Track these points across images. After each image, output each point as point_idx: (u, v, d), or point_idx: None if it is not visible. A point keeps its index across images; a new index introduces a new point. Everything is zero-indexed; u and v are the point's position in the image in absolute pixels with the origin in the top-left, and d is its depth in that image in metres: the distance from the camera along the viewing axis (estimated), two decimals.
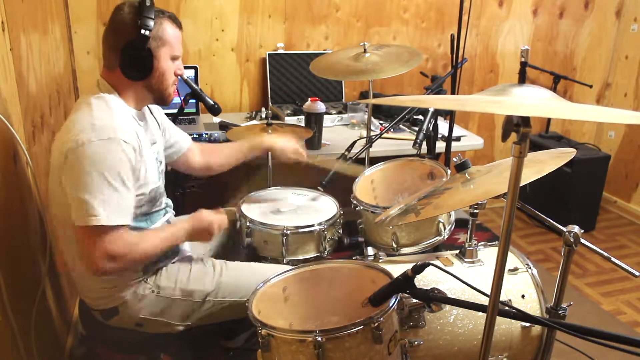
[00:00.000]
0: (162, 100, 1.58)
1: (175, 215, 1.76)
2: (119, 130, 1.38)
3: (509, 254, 1.56)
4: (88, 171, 1.33)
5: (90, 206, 1.33)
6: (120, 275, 1.49)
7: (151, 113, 1.68)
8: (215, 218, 1.59)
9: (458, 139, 2.70)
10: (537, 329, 1.50)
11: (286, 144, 1.97)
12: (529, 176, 1.13)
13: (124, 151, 1.38)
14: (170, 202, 1.74)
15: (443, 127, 2.46)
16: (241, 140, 2.00)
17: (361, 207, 1.84)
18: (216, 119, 2.61)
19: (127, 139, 1.39)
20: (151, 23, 1.44)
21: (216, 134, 2.42)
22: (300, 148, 1.99)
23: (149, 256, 1.49)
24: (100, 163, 1.34)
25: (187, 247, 1.75)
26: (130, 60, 1.45)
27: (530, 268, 1.57)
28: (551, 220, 1.50)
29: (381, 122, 2.83)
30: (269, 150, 1.98)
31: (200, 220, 1.57)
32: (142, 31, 1.42)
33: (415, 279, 1.17)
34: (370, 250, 1.80)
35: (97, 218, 1.33)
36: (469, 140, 2.76)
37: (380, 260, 1.58)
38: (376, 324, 1.20)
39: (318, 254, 1.81)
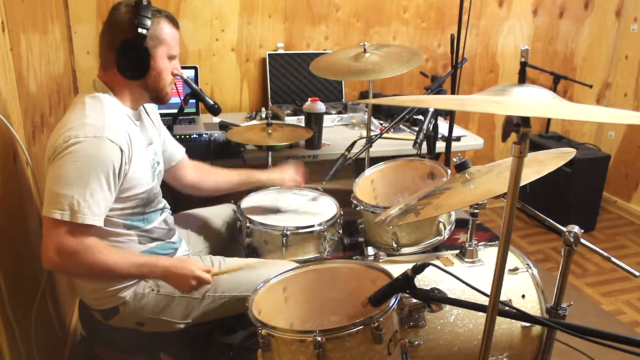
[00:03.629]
0: (158, 99, 1.57)
1: (172, 215, 1.76)
2: (106, 130, 1.37)
3: (509, 254, 1.56)
4: (66, 166, 1.33)
5: (56, 198, 1.33)
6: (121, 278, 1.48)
7: (147, 114, 1.68)
8: (200, 274, 1.48)
9: (458, 139, 2.70)
10: (537, 329, 1.50)
11: (283, 178, 1.97)
12: (529, 176, 1.13)
13: (111, 152, 1.37)
14: (166, 203, 1.74)
15: (443, 127, 2.46)
16: (238, 171, 1.97)
17: (361, 207, 1.84)
18: (216, 119, 2.61)
19: (114, 138, 1.38)
20: (148, 22, 1.43)
21: (216, 134, 2.42)
22: (296, 178, 2.00)
23: (111, 272, 1.43)
24: (81, 160, 1.34)
25: (184, 245, 1.75)
26: (126, 60, 1.45)
27: (530, 268, 1.57)
28: (551, 220, 1.50)
29: (381, 122, 2.83)
30: (268, 183, 1.99)
31: (185, 268, 1.49)
32: (139, 30, 1.42)
33: (415, 279, 1.17)
34: (370, 250, 1.80)
35: (59, 212, 1.32)
36: (469, 140, 2.76)
37: (380, 260, 1.58)
38: (376, 324, 1.20)
39: (318, 254, 1.81)
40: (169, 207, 1.74)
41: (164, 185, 1.71)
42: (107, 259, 1.40)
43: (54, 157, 1.35)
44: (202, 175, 1.90)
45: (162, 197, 1.69)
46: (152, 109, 1.74)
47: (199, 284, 1.50)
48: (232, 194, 1.99)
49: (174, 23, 1.53)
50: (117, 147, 1.38)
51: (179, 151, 1.85)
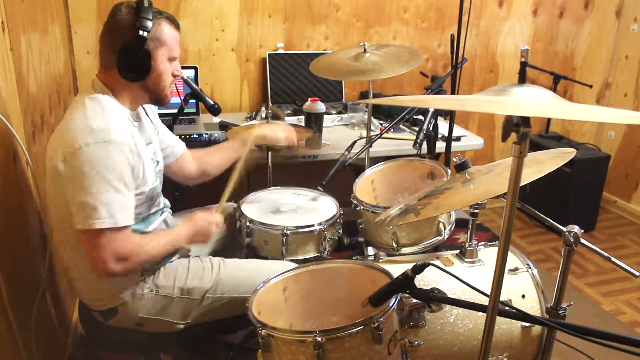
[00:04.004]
0: (159, 101, 1.57)
1: (173, 214, 1.76)
2: (114, 132, 1.38)
3: (509, 254, 1.56)
4: (88, 174, 1.33)
5: (92, 209, 1.34)
6: (123, 277, 1.49)
7: (146, 114, 1.68)
8: (211, 218, 1.60)
9: (458, 139, 2.70)
10: (537, 329, 1.50)
11: (276, 131, 1.95)
12: (529, 176, 1.13)
13: (122, 152, 1.38)
14: (167, 202, 1.74)
15: (443, 127, 2.46)
16: (231, 140, 1.96)
17: (361, 207, 1.84)
18: (216, 119, 2.61)
19: (123, 140, 1.39)
20: (149, 24, 1.43)
21: (216, 134, 2.42)
22: (292, 135, 1.97)
23: (153, 258, 1.50)
24: (99, 165, 1.34)
25: (185, 246, 1.75)
26: (127, 61, 1.45)
27: (530, 268, 1.57)
28: (551, 220, 1.50)
29: (381, 122, 2.83)
30: (261, 140, 1.95)
31: (198, 222, 1.59)
32: (140, 32, 1.42)
33: (415, 279, 1.17)
34: (370, 250, 1.80)
35: (101, 221, 1.34)
36: (469, 140, 2.76)
37: (380, 260, 1.58)
38: (376, 324, 1.20)
39: (318, 254, 1.80)
40: (169, 206, 1.75)
41: (164, 184, 1.71)
42: (150, 249, 1.47)
43: (67, 165, 1.35)
44: (204, 159, 1.91)
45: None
46: (152, 110, 1.74)
47: (216, 228, 1.62)
48: (231, 194, 1.98)
49: (175, 24, 1.53)
50: (128, 147, 1.39)
51: (179, 145, 1.85)
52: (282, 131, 1.96)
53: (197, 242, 1.63)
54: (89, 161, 1.34)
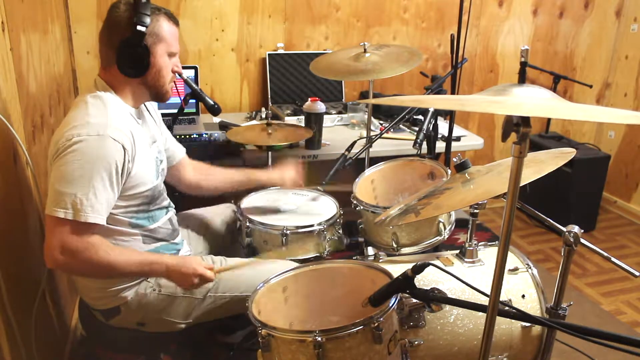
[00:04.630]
0: (159, 97, 1.57)
1: (176, 214, 1.76)
2: (109, 128, 1.37)
3: (509, 254, 1.56)
4: (70, 164, 1.33)
5: (60, 198, 1.33)
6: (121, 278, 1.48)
7: (149, 113, 1.68)
8: (202, 272, 1.49)
9: (458, 139, 2.70)
10: (537, 329, 1.50)
11: (283, 178, 1.98)
12: (529, 176, 1.13)
13: (112, 149, 1.37)
14: (170, 201, 1.74)
15: (443, 127, 2.46)
16: (238, 171, 1.96)
17: (361, 207, 1.84)
18: (216, 119, 2.61)
19: (117, 137, 1.38)
20: (147, 19, 1.43)
21: (216, 134, 2.42)
22: (297, 179, 2.00)
23: (115, 270, 1.43)
24: (83, 158, 1.34)
25: (185, 246, 1.75)
26: (126, 57, 1.45)
27: (530, 268, 1.57)
28: (551, 220, 1.50)
29: (381, 122, 2.83)
30: (268, 184, 1.99)
31: (187, 266, 1.49)
32: (138, 28, 1.42)
33: (415, 279, 1.17)
34: (370, 250, 1.80)
35: (62, 211, 1.32)
36: (469, 140, 2.76)
37: (380, 260, 1.58)
38: (376, 324, 1.20)
39: (318, 254, 1.80)
40: (174, 207, 1.74)
41: (166, 185, 1.71)
42: (110, 258, 1.40)
43: (57, 155, 1.35)
44: (202, 175, 1.90)
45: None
46: (154, 107, 1.74)
47: (201, 282, 1.50)
48: (231, 194, 1.99)
49: (173, 20, 1.53)
50: (120, 146, 1.38)
51: (179, 151, 1.85)
52: (291, 180, 2.00)
53: (175, 282, 1.51)
54: (75, 153, 1.33)
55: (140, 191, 1.49)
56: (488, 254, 1.60)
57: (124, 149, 1.40)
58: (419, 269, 1.15)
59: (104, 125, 1.38)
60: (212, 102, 1.95)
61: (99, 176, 1.35)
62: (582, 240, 1.28)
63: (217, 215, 2.01)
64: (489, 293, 1.05)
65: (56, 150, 1.36)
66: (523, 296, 1.51)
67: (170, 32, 1.51)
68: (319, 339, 1.18)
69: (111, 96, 1.47)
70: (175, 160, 1.83)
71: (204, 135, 2.41)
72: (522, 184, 0.98)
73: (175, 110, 2.12)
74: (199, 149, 2.32)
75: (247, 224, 1.79)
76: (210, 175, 1.92)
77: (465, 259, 1.58)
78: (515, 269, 1.55)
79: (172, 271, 1.48)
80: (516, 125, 0.91)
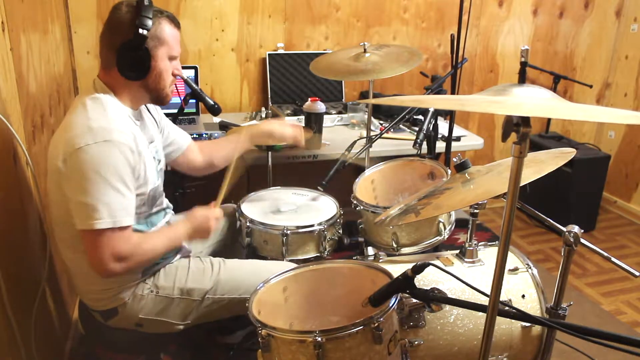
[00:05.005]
0: (159, 100, 1.56)
1: (174, 215, 1.76)
2: (114, 132, 1.38)
3: (509, 254, 1.56)
4: (87, 174, 1.33)
5: (92, 209, 1.34)
6: (122, 277, 1.49)
7: (149, 111, 1.67)
8: (211, 214, 1.60)
9: (458, 139, 2.70)
10: (537, 329, 1.50)
11: (285, 130, 1.93)
12: (529, 176, 1.13)
13: (122, 152, 1.37)
14: (169, 203, 1.74)
15: (443, 127, 2.46)
16: (239, 132, 1.96)
17: (361, 207, 1.84)
18: (216, 119, 2.61)
19: (123, 140, 1.38)
20: (149, 22, 1.43)
21: (216, 134, 2.42)
22: (299, 134, 1.96)
23: (152, 256, 1.50)
24: (99, 166, 1.34)
25: (185, 245, 1.75)
26: (127, 60, 1.44)
27: (530, 268, 1.57)
28: (551, 220, 1.50)
29: (381, 122, 2.83)
30: (268, 135, 1.93)
31: (197, 219, 1.58)
32: (140, 31, 1.41)
33: (415, 279, 1.17)
34: (370, 250, 1.80)
35: (101, 221, 1.34)
36: (469, 140, 2.76)
37: (380, 260, 1.58)
38: (376, 324, 1.20)
39: (318, 254, 1.81)
40: (172, 208, 1.74)
41: (164, 185, 1.71)
42: (149, 248, 1.47)
43: (67, 165, 1.35)
44: (211, 151, 1.91)
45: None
46: (156, 107, 1.74)
47: (216, 223, 1.61)
48: (231, 194, 1.98)
49: (175, 23, 1.53)
50: (128, 147, 1.39)
51: (184, 138, 1.85)
52: (290, 130, 1.94)
53: (198, 238, 1.62)
54: (89, 161, 1.33)
55: (143, 192, 1.50)
56: (488, 254, 1.60)
57: (131, 150, 1.40)
58: (419, 269, 1.15)
59: (109, 129, 1.38)
60: (212, 102, 1.95)
61: (118, 179, 1.37)
62: (582, 240, 1.28)
63: None
64: (489, 293, 1.05)
65: (63, 159, 1.36)
66: (523, 296, 1.51)
67: (172, 35, 1.51)
68: (319, 339, 1.18)
69: (110, 98, 1.47)
70: (183, 148, 1.83)
71: (204, 135, 2.41)
72: (522, 184, 0.98)
73: (176, 110, 2.12)
74: None
75: (247, 224, 1.79)
76: (215, 147, 1.92)
77: (465, 259, 1.58)
78: (515, 269, 1.55)
79: (191, 233, 1.57)
80: (516, 125, 0.91)
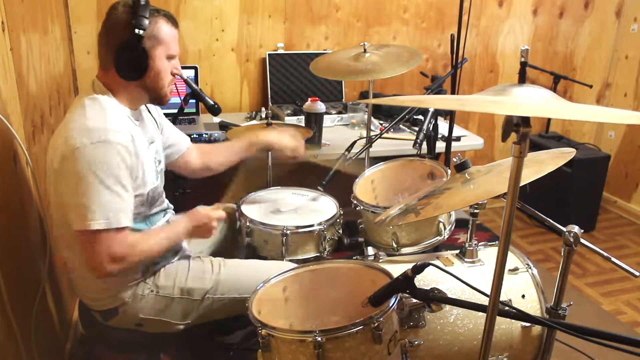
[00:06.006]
0: (158, 100, 1.56)
1: (175, 215, 1.76)
2: (111, 132, 1.37)
3: (509, 254, 1.56)
4: (84, 175, 1.33)
5: (88, 210, 1.33)
6: (120, 277, 1.49)
7: (149, 112, 1.67)
8: (212, 213, 1.60)
9: (458, 139, 2.70)
10: (537, 329, 1.50)
11: (285, 141, 1.94)
12: (529, 176, 1.13)
13: (119, 153, 1.37)
14: (169, 203, 1.74)
15: (443, 127, 2.46)
16: (239, 138, 1.97)
17: (361, 207, 1.84)
18: (216, 119, 2.61)
19: (120, 140, 1.38)
20: (146, 22, 1.42)
21: (216, 134, 2.42)
22: (299, 145, 1.96)
23: (150, 256, 1.50)
24: (95, 166, 1.34)
25: (185, 245, 1.75)
26: (124, 60, 1.44)
27: (530, 268, 1.57)
28: (551, 220, 1.50)
29: (381, 122, 2.83)
30: (268, 147, 1.96)
31: (198, 217, 1.59)
32: (137, 30, 1.41)
33: (415, 279, 1.17)
34: (370, 250, 1.79)
35: (96, 222, 1.34)
36: (469, 140, 2.76)
37: (380, 260, 1.58)
38: (376, 324, 1.20)
39: (318, 254, 1.80)
40: (172, 208, 1.74)
41: (166, 185, 1.72)
42: (147, 247, 1.46)
43: (64, 165, 1.35)
44: (208, 155, 1.91)
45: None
46: (156, 108, 1.73)
47: (217, 223, 1.61)
48: (231, 195, 1.99)
49: (173, 22, 1.52)
50: (125, 148, 1.39)
51: (184, 141, 1.85)
52: (290, 141, 1.95)
53: (198, 237, 1.63)
54: (85, 161, 1.33)
55: (141, 192, 1.49)
56: (488, 254, 1.60)
57: (128, 150, 1.40)
58: (419, 269, 1.15)
59: (105, 130, 1.37)
60: (212, 102, 1.95)
61: (114, 180, 1.36)
62: (582, 240, 1.28)
63: None
64: (489, 293, 1.05)
65: (60, 160, 1.36)
66: (523, 296, 1.51)
67: (170, 34, 1.50)
68: (319, 339, 1.17)
69: (108, 99, 1.46)
70: (182, 150, 1.83)
71: (204, 135, 2.42)
72: (522, 184, 0.98)
73: (175, 110, 2.12)
74: None
75: (247, 224, 1.79)
76: (214, 152, 1.93)
77: (465, 259, 1.58)
78: (515, 269, 1.55)
79: (191, 231, 1.58)
80: (516, 125, 0.91)
